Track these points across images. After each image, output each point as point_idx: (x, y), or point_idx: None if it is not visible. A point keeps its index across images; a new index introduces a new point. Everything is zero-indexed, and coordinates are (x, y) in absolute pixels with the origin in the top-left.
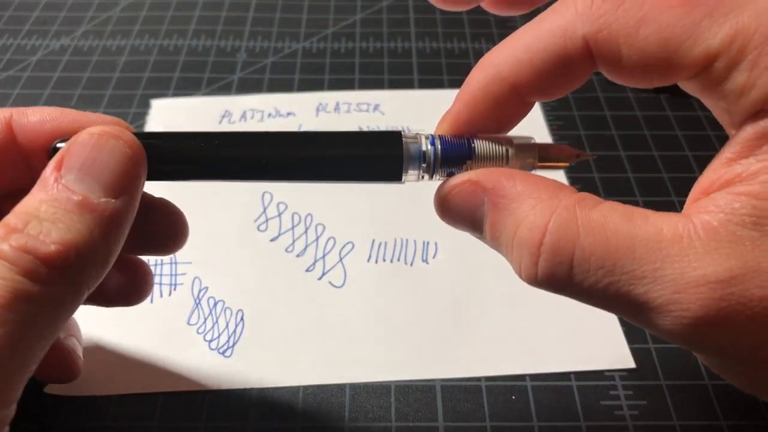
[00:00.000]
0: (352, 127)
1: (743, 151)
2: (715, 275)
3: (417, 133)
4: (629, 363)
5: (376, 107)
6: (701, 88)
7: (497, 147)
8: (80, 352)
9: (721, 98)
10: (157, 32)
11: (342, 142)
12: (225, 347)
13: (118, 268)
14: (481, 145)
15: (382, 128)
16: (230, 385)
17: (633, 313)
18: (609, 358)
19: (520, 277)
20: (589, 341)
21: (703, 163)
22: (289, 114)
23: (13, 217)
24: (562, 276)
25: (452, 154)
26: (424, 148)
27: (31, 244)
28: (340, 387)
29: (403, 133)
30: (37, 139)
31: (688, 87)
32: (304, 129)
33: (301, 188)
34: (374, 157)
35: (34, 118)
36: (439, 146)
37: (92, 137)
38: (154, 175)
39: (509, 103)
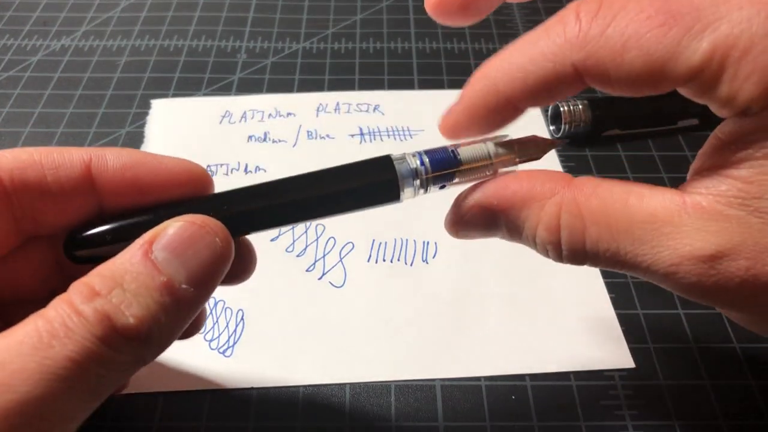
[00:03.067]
0: (352, 127)
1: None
2: (702, 251)
3: (404, 153)
4: (629, 363)
5: (376, 107)
6: (691, 95)
7: (480, 150)
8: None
9: (708, 102)
10: (157, 33)
11: (340, 177)
12: (225, 347)
13: None
14: (465, 152)
15: (382, 129)
16: (230, 384)
17: (645, 277)
18: (608, 358)
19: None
20: (588, 341)
21: None
22: (289, 114)
23: (97, 280)
24: (581, 258)
25: (441, 165)
26: (413, 166)
27: (113, 312)
28: (340, 387)
29: (391, 156)
30: (116, 187)
31: (681, 91)
32: (304, 129)
33: None
34: (373, 185)
35: (114, 165)
36: (428, 161)
37: (192, 226)
38: None
39: (504, 111)
